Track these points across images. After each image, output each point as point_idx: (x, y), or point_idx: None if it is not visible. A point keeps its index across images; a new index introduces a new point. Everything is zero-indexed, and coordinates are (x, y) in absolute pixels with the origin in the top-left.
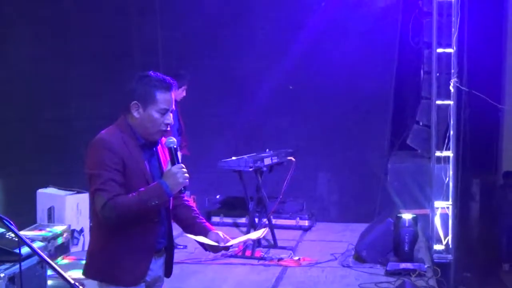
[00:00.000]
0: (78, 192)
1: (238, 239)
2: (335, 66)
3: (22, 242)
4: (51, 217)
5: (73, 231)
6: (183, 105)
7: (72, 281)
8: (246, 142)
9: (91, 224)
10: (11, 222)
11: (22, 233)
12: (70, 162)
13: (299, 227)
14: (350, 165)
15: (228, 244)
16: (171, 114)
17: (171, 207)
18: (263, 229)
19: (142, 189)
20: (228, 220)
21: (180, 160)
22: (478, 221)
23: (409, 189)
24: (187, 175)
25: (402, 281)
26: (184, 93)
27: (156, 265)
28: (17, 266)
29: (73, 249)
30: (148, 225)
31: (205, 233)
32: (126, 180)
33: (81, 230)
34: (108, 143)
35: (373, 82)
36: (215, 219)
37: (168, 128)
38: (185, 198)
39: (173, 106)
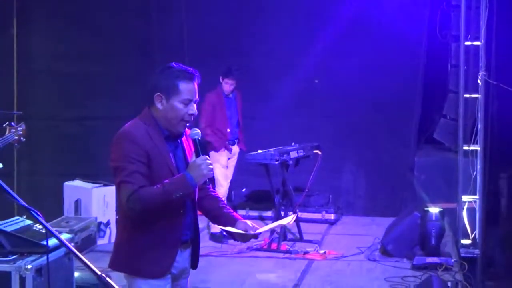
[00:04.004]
0: (105, 185)
1: (267, 226)
2: (362, 59)
3: (49, 233)
4: (77, 210)
5: (99, 223)
6: None
7: (99, 273)
8: (272, 136)
9: (117, 217)
10: (39, 213)
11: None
12: (93, 162)
13: (325, 221)
14: (377, 159)
15: (257, 231)
16: (194, 105)
17: (196, 199)
18: (292, 216)
19: (167, 181)
20: (254, 213)
21: (233, 155)
22: (506, 216)
23: (436, 183)
24: (211, 166)
25: (428, 275)
26: (226, 87)
27: (182, 257)
28: (44, 258)
29: (100, 242)
30: (173, 217)
31: (233, 223)
32: (151, 172)
33: (108, 223)
34: (132, 135)
35: (400, 76)
36: (241, 212)
37: (192, 119)
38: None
39: (197, 97)
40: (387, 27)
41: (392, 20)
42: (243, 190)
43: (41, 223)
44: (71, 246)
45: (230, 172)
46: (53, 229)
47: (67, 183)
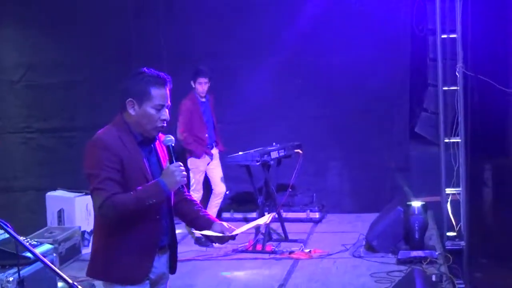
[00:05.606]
0: (87, 194)
1: (244, 227)
2: (345, 57)
3: (18, 243)
4: (61, 220)
5: (83, 232)
6: None
7: (71, 281)
8: (257, 137)
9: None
10: (8, 225)
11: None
12: (72, 174)
13: (310, 220)
14: (360, 155)
15: (234, 233)
16: (167, 110)
17: (172, 203)
18: (269, 215)
19: (140, 187)
20: (239, 215)
21: (213, 157)
22: (491, 206)
23: (420, 177)
24: (185, 173)
25: (411, 269)
26: (201, 87)
27: (160, 262)
28: (26, 269)
29: (84, 251)
30: (150, 223)
31: (209, 225)
32: (126, 178)
33: (91, 231)
34: (105, 142)
35: (386, 73)
36: (226, 215)
37: (165, 124)
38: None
39: (169, 102)
40: (370, 23)
41: (376, 16)
42: (227, 192)
43: (9, 234)
44: (40, 255)
45: (218, 173)
46: (22, 240)
47: (49, 193)
